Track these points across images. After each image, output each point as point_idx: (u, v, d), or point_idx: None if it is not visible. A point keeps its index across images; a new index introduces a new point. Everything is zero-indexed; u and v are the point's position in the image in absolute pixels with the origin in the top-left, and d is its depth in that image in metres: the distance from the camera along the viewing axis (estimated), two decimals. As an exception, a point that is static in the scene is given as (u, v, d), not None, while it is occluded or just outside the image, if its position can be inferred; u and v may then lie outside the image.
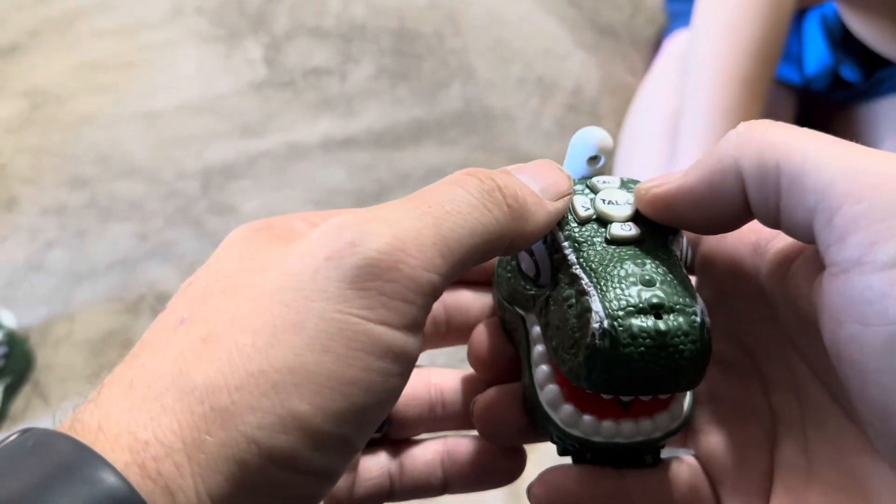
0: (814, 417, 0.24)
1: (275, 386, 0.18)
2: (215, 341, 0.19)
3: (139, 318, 0.81)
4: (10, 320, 0.78)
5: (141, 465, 0.17)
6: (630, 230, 0.24)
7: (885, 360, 0.19)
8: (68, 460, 0.17)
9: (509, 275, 0.27)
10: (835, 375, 0.21)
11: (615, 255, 0.24)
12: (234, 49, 1.02)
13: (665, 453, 0.27)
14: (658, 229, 0.25)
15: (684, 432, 0.27)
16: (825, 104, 0.95)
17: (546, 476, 0.25)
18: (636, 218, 0.25)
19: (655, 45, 1.08)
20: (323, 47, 1.03)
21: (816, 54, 0.90)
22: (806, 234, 0.21)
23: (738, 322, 0.26)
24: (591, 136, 0.26)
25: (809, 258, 0.23)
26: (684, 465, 0.26)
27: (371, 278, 0.19)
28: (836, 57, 0.88)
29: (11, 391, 0.75)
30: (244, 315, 0.19)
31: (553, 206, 0.24)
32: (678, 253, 0.25)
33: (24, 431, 0.18)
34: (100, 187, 0.89)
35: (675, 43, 0.94)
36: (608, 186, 0.26)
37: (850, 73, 0.89)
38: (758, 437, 0.25)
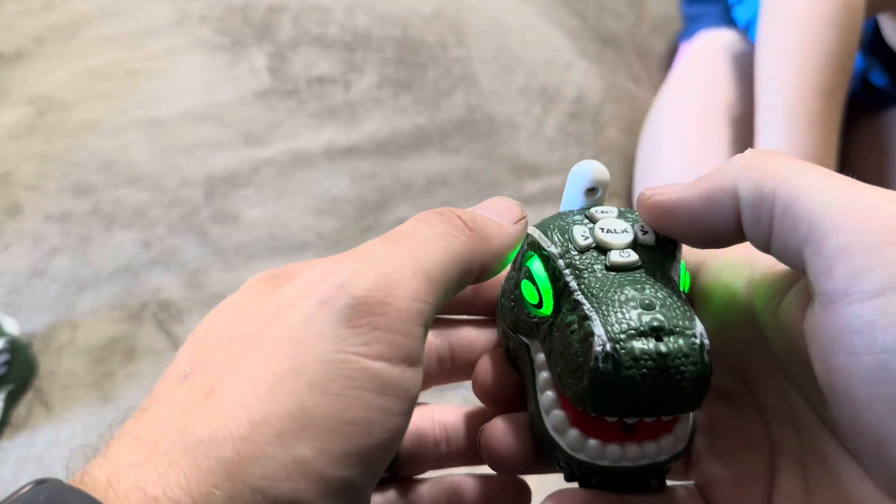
0: (811, 447, 0.24)
1: (277, 434, 0.18)
2: (218, 395, 0.19)
3: (142, 325, 0.81)
4: (13, 327, 0.78)
5: None
6: (629, 257, 0.25)
7: (874, 389, 0.19)
8: None
9: (513, 304, 0.27)
10: (828, 405, 0.22)
11: (615, 280, 0.24)
12: (238, 57, 1.02)
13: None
14: (656, 256, 0.25)
15: (685, 460, 0.28)
16: (853, 108, 0.95)
17: (557, 496, 0.25)
18: (635, 245, 0.25)
19: (668, 54, 1.08)
20: (327, 56, 1.03)
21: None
22: (796, 262, 0.22)
23: (735, 354, 0.27)
24: (588, 170, 0.27)
25: (801, 290, 0.23)
26: (686, 491, 0.27)
27: (363, 315, 0.19)
28: (867, 61, 0.88)
29: (14, 398, 0.75)
30: (244, 367, 0.19)
31: (512, 228, 0.26)
32: (676, 279, 0.25)
33: (38, 483, 0.19)
34: (104, 194, 0.90)
35: (701, 44, 0.94)
36: (606, 216, 0.27)
37: (879, 78, 0.89)
38: (757, 467, 0.25)
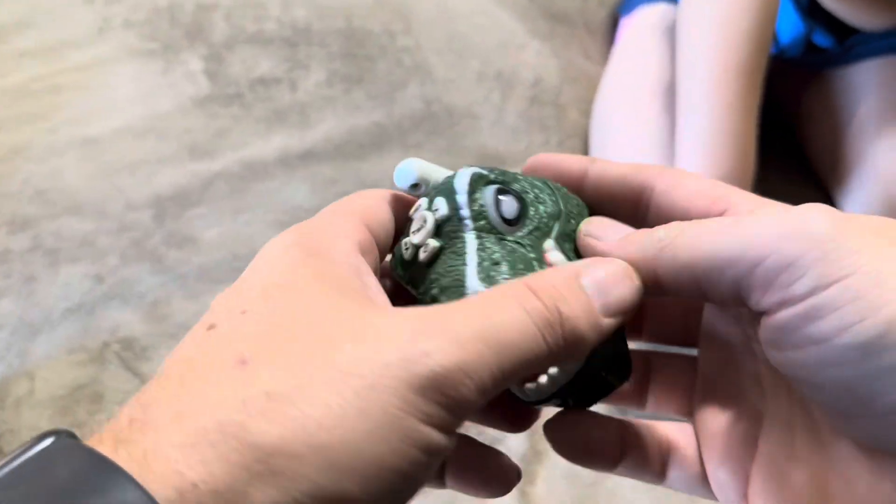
0: (799, 403, 0.27)
1: (331, 465, 0.19)
2: (281, 402, 0.19)
3: (105, 368, 0.75)
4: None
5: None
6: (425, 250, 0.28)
7: (822, 374, 0.23)
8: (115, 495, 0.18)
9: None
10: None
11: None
12: (171, 63, 0.95)
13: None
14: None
15: (683, 399, 0.31)
16: (800, 71, 0.95)
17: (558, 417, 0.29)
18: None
19: (609, 29, 1.06)
20: (267, 54, 0.97)
21: (789, 24, 0.90)
22: (735, 299, 0.25)
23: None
24: (409, 168, 0.30)
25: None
26: (679, 425, 0.30)
27: (433, 390, 0.20)
28: (808, 25, 0.88)
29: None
30: (313, 387, 0.20)
31: (606, 325, 0.25)
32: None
33: (56, 436, 0.20)
34: (43, 227, 0.82)
35: (641, 19, 0.93)
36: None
37: (822, 39, 0.89)
38: (748, 415, 0.28)
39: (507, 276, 0.26)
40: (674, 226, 0.26)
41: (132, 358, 0.76)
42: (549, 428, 0.29)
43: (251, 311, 0.22)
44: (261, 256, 0.25)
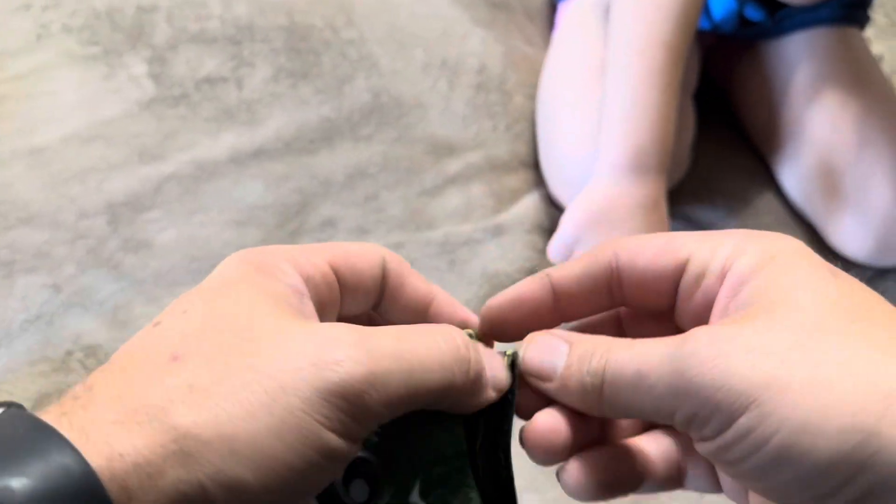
0: None
1: (234, 454, 0.21)
2: (200, 394, 0.22)
3: (70, 376, 0.75)
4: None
5: (111, 471, 0.21)
6: None
7: (748, 483, 0.27)
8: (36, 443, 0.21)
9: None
10: None
11: None
12: (113, 68, 0.94)
13: None
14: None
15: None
16: (733, 44, 0.98)
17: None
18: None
19: (548, 14, 1.07)
20: (212, 53, 0.96)
21: (722, 0, 0.92)
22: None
23: None
24: None
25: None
26: None
27: (339, 398, 0.22)
28: (739, 1, 0.91)
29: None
30: (230, 383, 0.22)
31: (490, 396, 0.28)
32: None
33: (8, 407, 0.23)
34: (-5, 240, 0.81)
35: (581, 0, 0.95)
36: None
37: (754, 13, 0.92)
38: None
39: None
40: (595, 369, 0.27)
41: (96, 365, 0.75)
42: (564, 474, 0.30)
43: (191, 311, 0.25)
44: (218, 267, 0.27)
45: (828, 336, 0.24)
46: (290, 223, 0.86)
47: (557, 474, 0.30)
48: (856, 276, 0.28)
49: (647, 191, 0.75)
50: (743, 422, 0.24)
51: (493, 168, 0.92)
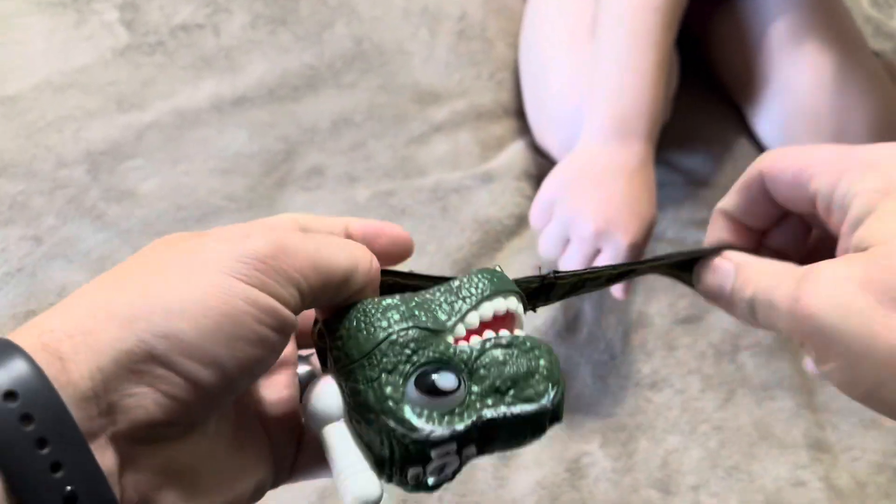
0: None
1: (166, 311, 0.23)
2: (129, 280, 0.24)
3: (58, 329, 0.73)
4: None
5: (41, 343, 0.22)
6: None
7: None
8: None
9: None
10: None
11: None
12: (83, 14, 0.91)
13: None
14: None
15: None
16: (710, 2, 0.98)
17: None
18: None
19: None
20: (186, 0, 0.94)
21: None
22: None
23: None
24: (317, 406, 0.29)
25: None
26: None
27: (252, 258, 0.25)
28: None
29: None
30: (168, 272, 0.24)
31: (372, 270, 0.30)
32: None
33: None
34: (-31, 191, 0.78)
35: None
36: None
37: None
38: None
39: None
40: (748, 298, 0.32)
41: (84, 317, 0.74)
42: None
43: (154, 248, 0.27)
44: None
45: None
46: (276, 171, 0.84)
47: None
48: None
49: (631, 155, 0.74)
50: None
51: (479, 116, 0.92)
